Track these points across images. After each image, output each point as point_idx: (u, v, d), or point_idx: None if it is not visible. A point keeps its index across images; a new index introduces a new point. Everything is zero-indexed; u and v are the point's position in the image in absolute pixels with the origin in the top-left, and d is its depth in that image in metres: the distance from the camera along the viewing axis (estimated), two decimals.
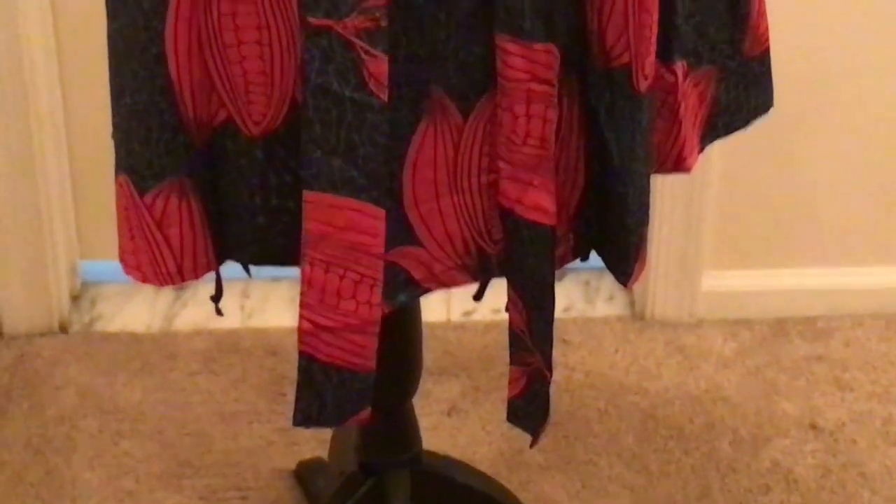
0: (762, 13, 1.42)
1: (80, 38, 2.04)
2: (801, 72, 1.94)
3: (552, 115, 1.21)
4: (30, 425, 1.98)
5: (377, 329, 1.26)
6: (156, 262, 1.29)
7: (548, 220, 1.25)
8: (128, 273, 1.32)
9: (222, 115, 1.26)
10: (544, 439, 1.64)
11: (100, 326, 2.17)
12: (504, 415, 1.39)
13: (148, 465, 1.91)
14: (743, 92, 1.43)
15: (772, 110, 1.48)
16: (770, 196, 2.17)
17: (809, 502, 1.89)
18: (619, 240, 1.32)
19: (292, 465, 1.92)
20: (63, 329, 2.15)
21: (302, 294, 1.24)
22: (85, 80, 2.10)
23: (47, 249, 2.11)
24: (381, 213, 1.22)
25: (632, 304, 2.22)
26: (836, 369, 2.10)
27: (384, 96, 1.17)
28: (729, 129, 1.44)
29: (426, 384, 1.68)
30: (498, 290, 1.33)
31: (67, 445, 1.94)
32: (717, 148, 1.51)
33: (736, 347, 2.14)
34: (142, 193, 1.26)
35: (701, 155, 1.41)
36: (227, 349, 2.12)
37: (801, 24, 2.00)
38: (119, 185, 1.29)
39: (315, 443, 1.88)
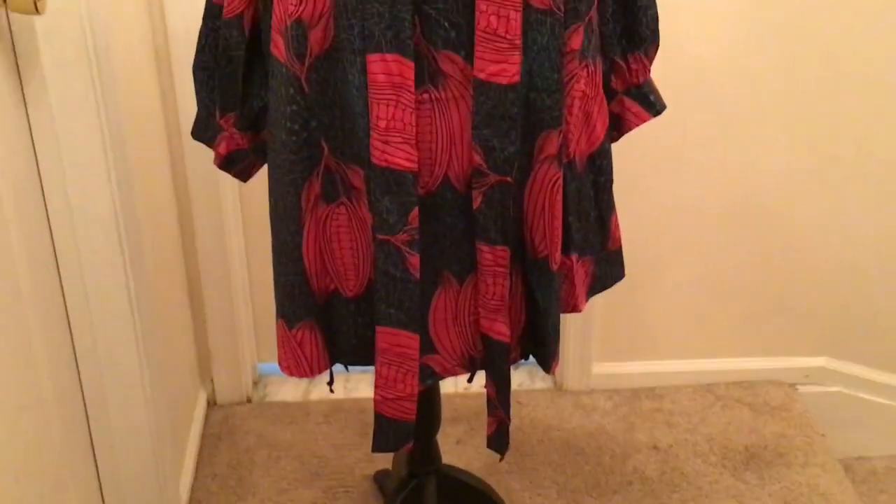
0: (617, 227, 1.42)
1: (260, 237, 2.00)
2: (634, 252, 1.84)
3: (506, 284, 1.26)
4: (230, 453, 2.04)
5: (416, 398, 1.30)
6: (298, 365, 1.33)
7: (506, 340, 1.29)
8: (283, 371, 1.35)
9: (332, 286, 1.29)
10: (507, 457, 1.70)
11: (268, 399, 2.22)
12: (485, 444, 1.42)
13: (294, 475, 1.97)
14: (608, 269, 1.43)
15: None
16: (627, 322, 2.17)
17: (654, 490, 1.94)
18: (544, 349, 1.34)
19: (372, 472, 1.97)
20: (248, 400, 2.21)
21: (376, 380, 1.29)
22: (260, 265, 2.13)
23: (242, 357, 2.17)
24: (417, 337, 1.25)
25: (554, 382, 2.24)
26: (666, 416, 2.15)
27: (417, 276, 1.22)
28: (601, 289, 1.44)
29: (444, 427, 1.70)
30: (480, 376, 1.36)
31: (250, 465, 2.00)
32: (598, 296, 1.48)
33: (612, 405, 2.18)
34: (290, 329, 1.31)
35: (588, 301, 1.43)
36: (336, 409, 2.16)
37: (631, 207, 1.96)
38: (278, 324, 1.32)
39: (384, 460, 1.91)
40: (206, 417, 2.17)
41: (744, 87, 1.94)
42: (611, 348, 2.20)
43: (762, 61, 1.92)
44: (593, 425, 2.13)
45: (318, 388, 2.25)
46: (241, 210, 2.08)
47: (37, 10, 1.15)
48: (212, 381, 2.19)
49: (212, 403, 2.21)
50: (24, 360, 1.20)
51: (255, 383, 2.29)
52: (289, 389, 2.26)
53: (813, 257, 2.11)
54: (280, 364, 1.35)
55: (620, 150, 1.41)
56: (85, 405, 1.47)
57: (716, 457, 2.05)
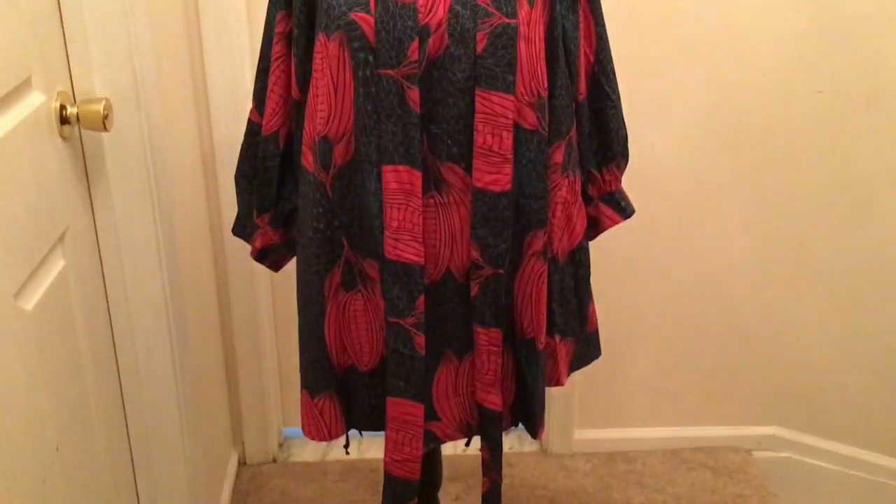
0: (594, 312, 1.42)
1: (288, 318, 2.02)
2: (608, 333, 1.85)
3: (499, 361, 1.26)
4: None
5: (420, 460, 1.28)
6: (318, 430, 1.32)
7: (499, 409, 1.29)
8: (305, 435, 1.34)
9: (349, 362, 1.29)
10: None
11: (291, 459, 2.19)
12: (480, 501, 1.39)
13: None
14: (586, 349, 1.43)
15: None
16: (604, 395, 2.14)
17: None
18: (531, 417, 1.33)
19: None
20: (274, 460, 2.17)
21: (386, 444, 1.28)
22: (287, 342, 2.10)
23: (269, 422, 2.14)
24: (422, 406, 1.25)
25: (541, 446, 2.20)
26: (638, 477, 2.11)
27: (423, 353, 1.22)
28: (581, 366, 1.44)
29: (444, 485, 1.67)
30: (476, 441, 1.34)
31: None
32: (578, 372, 1.47)
33: (591, 467, 2.14)
34: (313, 398, 1.30)
35: (570, 376, 1.42)
36: (351, 469, 2.13)
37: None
38: (303, 394, 1.32)
39: None
40: (237, 475, 2.14)
41: (702, 189, 1.96)
42: (590, 416, 2.17)
43: (717, 168, 1.95)
44: (575, 485, 2.10)
45: (335, 450, 2.22)
46: (272, 295, 2.07)
47: (105, 128, 1.18)
48: (242, 443, 2.17)
49: (242, 463, 2.19)
50: (83, 420, 1.20)
51: (281, 445, 2.26)
52: (310, 451, 2.23)
53: (764, 337, 2.10)
54: (303, 429, 1.35)
55: (598, 247, 1.44)
56: (133, 463, 1.46)
57: None
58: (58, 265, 1.13)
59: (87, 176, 1.25)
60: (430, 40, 1.09)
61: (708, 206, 1.97)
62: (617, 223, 1.40)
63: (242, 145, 1.35)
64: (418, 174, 1.13)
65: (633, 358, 2.14)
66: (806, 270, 2.00)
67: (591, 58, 1.27)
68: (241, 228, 1.40)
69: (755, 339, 2.11)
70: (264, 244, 1.37)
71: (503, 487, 1.39)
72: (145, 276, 1.35)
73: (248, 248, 1.40)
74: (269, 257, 1.40)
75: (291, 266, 1.38)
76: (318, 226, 1.21)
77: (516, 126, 1.14)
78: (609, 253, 1.84)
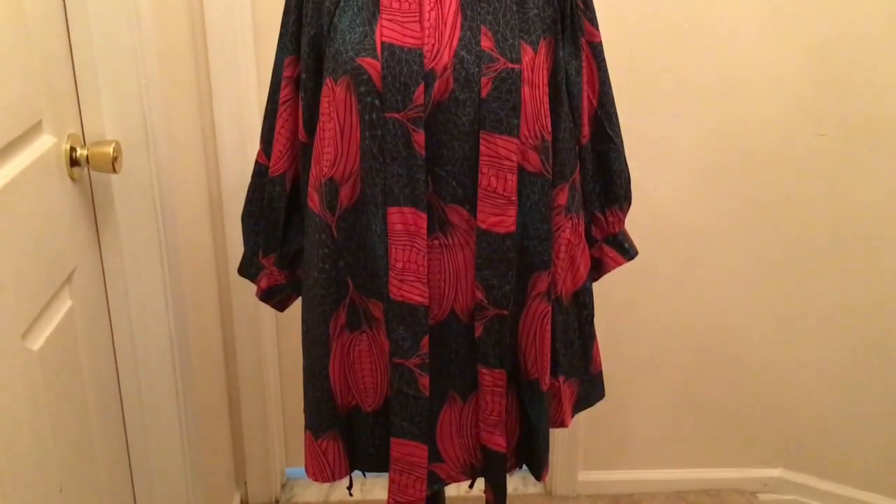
0: (598, 353, 1.40)
1: (292, 359, 2.03)
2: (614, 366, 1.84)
3: (503, 402, 1.25)
4: None
5: (424, 501, 1.27)
6: (321, 471, 1.30)
7: (503, 450, 1.28)
8: (308, 476, 1.32)
9: (353, 402, 1.28)
10: None
11: (294, 500, 2.16)
12: None
13: None
14: (590, 390, 1.41)
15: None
16: (608, 437, 2.12)
17: None
18: (535, 458, 1.32)
19: None
20: (277, 501, 2.15)
21: (390, 485, 1.27)
22: (291, 383, 2.08)
23: (272, 463, 2.12)
24: (425, 448, 1.24)
25: (545, 487, 2.18)
26: None
27: (427, 394, 1.21)
28: (585, 407, 1.42)
29: None
30: (480, 483, 1.34)
31: None
32: (582, 414, 1.48)
33: None
34: (316, 439, 1.29)
35: (574, 417, 1.41)
36: None
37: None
38: (306, 435, 1.31)
39: None
40: None
41: (704, 231, 1.97)
42: (595, 458, 2.15)
43: (719, 211, 1.96)
44: None
45: (338, 491, 2.20)
46: (277, 335, 2.06)
47: (114, 170, 1.19)
48: (245, 483, 2.15)
49: (245, 503, 2.16)
50: (87, 460, 1.20)
51: (283, 486, 2.24)
52: (313, 492, 2.21)
53: (768, 381, 2.09)
54: (306, 470, 1.33)
55: (601, 288, 1.43)
56: (135, 503, 1.45)
57: None
58: (65, 305, 1.13)
59: (95, 217, 1.26)
60: (436, 84, 1.10)
61: (710, 248, 1.97)
62: (620, 264, 1.40)
63: (249, 186, 1.35)
64: (423, 216, 1.14)
65: (638, 399, 2.12)
66: (809, 312, 1.99)
67: (594, 101, 1.28)
68: (247, 268, 1.40)
69: (760, 381, 2.10)
70: (270, 284, 1.37)
71: None
72: (151, 317, 1.35)
73: (253, 288, 1.40)
74: (275, 297, 1.40)
75: (297, 307, 1.38)
76: (324, 266, 1.21)
77: (520, 168, 1.15)
78: (612, 294, 1.85)
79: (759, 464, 2.17)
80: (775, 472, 2.17)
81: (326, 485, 2.21)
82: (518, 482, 2.24)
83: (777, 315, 2.02)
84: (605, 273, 1.42)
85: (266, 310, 1.91)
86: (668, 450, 2.18)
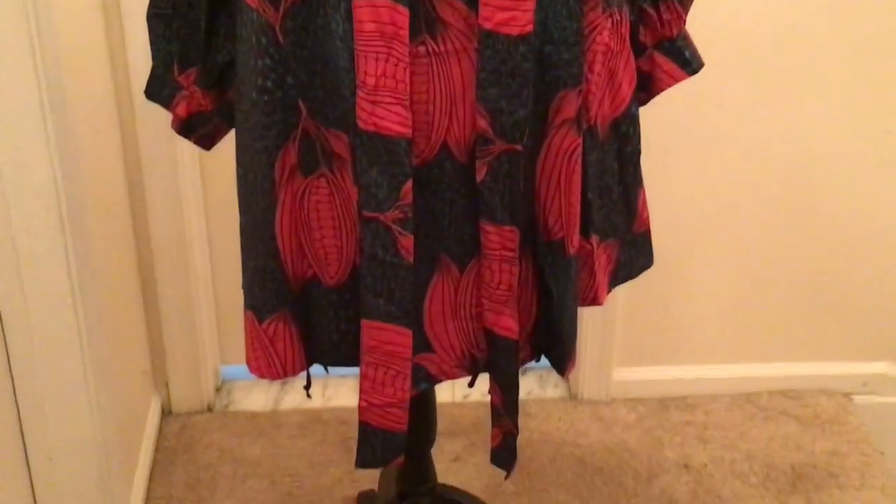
0: (644, 206, 1.43)
1: (225, 216, 2.02)
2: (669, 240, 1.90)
3: (515, 270, 1.25)
4: (188, 471, 2.04)
5: (407, 405, 1.30)
6: (269, 365, 1.33)
7: (513, 336, 1.29)
8: (252, 372, 1.35)
9: (310, 273, 1.30)
10: (514, 476, 1.71)
11: (232, 407, 2.22)
12: (489, 460, 1.42)
13: (264, 495, 1.98)
14: (634, 255, 1.43)
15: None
16: (654, 321, 2.18)
17: None
18: (558, 348, 1.34)
19: (355, 494, 1.97)
20: (210, 409, 2.21)
21: (361, 383, 1.29)
22: (225, 250, 2.12)
23: (202, 359, 2.17)
24: (409, 332, 1.26)
25: (569, 389, 2.25)
26: (699, 429, 2.16)
27: (411, 260, 1.22)
28: (625, 279, 1.45)
29: (439, 441, 1.70)
30: (483, 380, 1.37)
31: (212, 484, 2.01)
32: (620, 289, 1.51)
33: (635, 416, 2.19)
34: (261, 322, 1.31)
35: (610, 293, 1.43)
36: (314, 420, 2.16)
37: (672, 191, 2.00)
38: (246, 316, 1.33)
39: (369, 480, 1.89)
40: (161, 428, 2.18)
41: (793, 47, 1.96)
42: (635, 351, 2.21)
43: (816, 18, 1.94)
44: (614, 440, 2.14)
45: (291, 395, 2.25)
46: (202, 185, 2.08)
47: None
48: (167, 385, 2.20)
49: (167, 412, 2.22)
50: None
51: (218, 389, 2.29)
52: (257, 396, 2.26)
53: (873, 247, 2.12)
54: (248, 364, 1.36)
55: (646, 117, 1.41)
56: (18, 412, 1.46)
57: (757, 478, 2.06)
58: None
59: None
60: None
61: (799, 66, 1.98)
62: (678, 81, 1.39)
63: None
64: (404, 11, 1.11)
65: (693, 272, 2.16)
66: None
67: None
68: (158, 90, 1.37)
69: (860, 249, 2.13)
70: (191, 111, 1.35)
71: (519, 443, 1.40)
72: (27, 158, 1.35)
73: (167, 116, 1.38)
74: (198, 130, 1.38)
75: (229, 142, 1.36)
76: (265, 84, 1.20)
77: None
78: (662, 126, 1.85)
79: (857, 357, 2.23)
80: (878, 367, 2.23)
81: (276, 385, 2.26)
82: (533, 382, 2.29)
83: (888, 159, 2.03)
84: (656, 94, 1.41)
85: (187, 148, 1.90)
86: (733, 340, 2.22)
